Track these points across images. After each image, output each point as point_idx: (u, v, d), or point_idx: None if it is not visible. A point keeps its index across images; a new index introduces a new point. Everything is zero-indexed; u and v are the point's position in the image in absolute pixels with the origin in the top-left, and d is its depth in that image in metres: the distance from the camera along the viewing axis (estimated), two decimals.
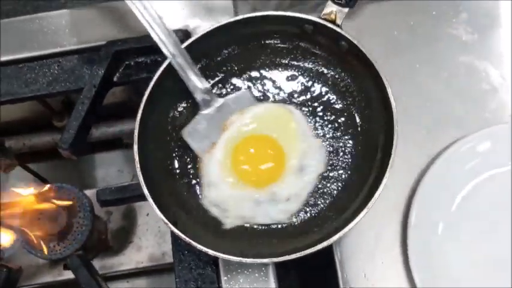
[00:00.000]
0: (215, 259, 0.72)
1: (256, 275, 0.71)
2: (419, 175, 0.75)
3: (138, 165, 0.64)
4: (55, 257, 0.78)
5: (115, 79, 0.80)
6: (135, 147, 0.65)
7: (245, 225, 0.68)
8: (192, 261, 0.72)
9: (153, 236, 0.91)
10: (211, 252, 0.61)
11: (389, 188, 0.75)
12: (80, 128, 0.75)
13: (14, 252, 0.80)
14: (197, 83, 0.68)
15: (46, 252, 0.77)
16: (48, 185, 0.80)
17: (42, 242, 0.78)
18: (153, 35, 0.67)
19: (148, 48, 0.77)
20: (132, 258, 0.90)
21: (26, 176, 1.02)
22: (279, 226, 0.68)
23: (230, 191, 0.67)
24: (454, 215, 0.72)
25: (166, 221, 0.62)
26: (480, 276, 0.70)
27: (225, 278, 0.71)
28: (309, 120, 0.71)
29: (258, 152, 0.69)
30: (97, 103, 0.77)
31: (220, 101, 0.70)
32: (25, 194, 0.82)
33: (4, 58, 0.82)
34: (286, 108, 0.70)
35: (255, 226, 0.68)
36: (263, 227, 0.68)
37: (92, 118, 0.77)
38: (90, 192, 0.82)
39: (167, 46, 0.66)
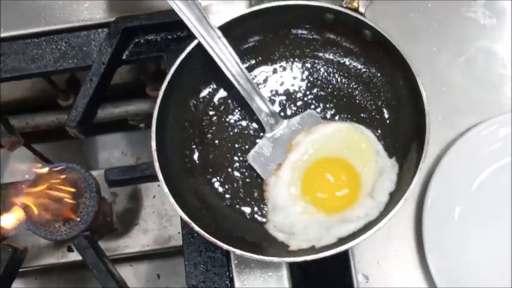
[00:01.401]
0: None
1: None
2: (435, 160, 0.74)
3: (154, 146, 0.62)
4: (60, 238, 0.77)
5: (124, 57, 0.78)
6: (153, 135, 0.62)
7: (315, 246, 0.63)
8: (201, 244, 0.70)
9: (159, 219, 0.90)
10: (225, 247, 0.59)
11: None
12: (88, 106, 0.73)
13: (18, 232, 0.78)
14: (262, 105, 0.66)
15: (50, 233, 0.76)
16: (54, 165, 0.79)
17: (47, 223, 0.77)
18: (214, 56, 0.65)
19: (159, 25, 0.76)
20: (137, 241, 0.89)
21: (29, 156, 1.00)
22: None
23: (299, 216, 0.63)
24: (471, 200, 0.71)
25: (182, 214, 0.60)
26: (497, 262, 0.69)
27: (236, 261, 0.70)
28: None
29: (333, 177, 0.64)
30: (106, 81, 0.76)
31: (285, 122, 0.67)
32: (30, 173, 0.81)
33: (10, 33, 0.79)
34: (357, 127, 0.66)
35: None
36: None
37: (100, 96, 0.75)
38: (95, 173, 0.80)
39: (229, 68, 0.65)
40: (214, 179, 0.68)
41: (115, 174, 0.71)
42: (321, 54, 0.71)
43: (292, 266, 0.69)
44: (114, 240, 0.89)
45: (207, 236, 0.59)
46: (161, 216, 0.90)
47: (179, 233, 0.89)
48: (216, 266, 0.70)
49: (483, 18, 0.80)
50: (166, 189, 0.61)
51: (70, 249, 0.88)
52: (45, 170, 0.78)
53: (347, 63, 0.70)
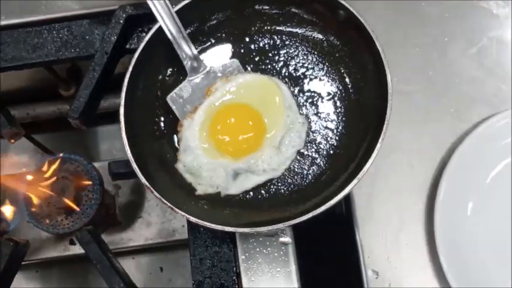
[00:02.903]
0: (232, 236, 0.69)
1: (276, 254, 0.68)
2: (446, 154, 0.72)
3: (123, 127, 0.63)
4: (62, 232, 0.75)
5: (128, 46, 0.75)
6: (122, 110, 0.63)
7: (221, 193, 0.65)
8: (208, 239, 0.69)
9: (163, 212, 0.88)
10: (190, 217, 0.59)
11: (414, 167, 0.73)
12: (91, 96, 0.71)
13: (18, 225, 0.76)
14: (186, 48, 0.66)
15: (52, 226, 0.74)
16: (55, 156, 0.77)
17: (49, 216, 0.75)
18: None
19: None
20: (141, 234, 0.88)
21: (28, 146, 0.99)
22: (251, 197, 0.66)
23: (205, 159, 0.65)
24: (484, 195, 0.70)
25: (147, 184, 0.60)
26: (510, 259, 0.67)
27: (243, 257, 0.68)
28: (296, 92, 0.69)
29: (238, 122, 0.66)
30: (109, 71, 0.73)
31: (207, 67, 0.68)
32: (31, 164, 0.79)
33: (11, 21, 0.77)
34: (273, 80, 0.68)
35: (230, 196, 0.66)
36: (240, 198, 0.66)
37: (103, 86, 0.73)
38: (97, 165, 0.79)
39: (158, 10, 0.64)
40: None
41: (119, 166, 0.70)
42: (296, 31, 0.70)
43: (300, 262, 0.68)
44: (117, 233, 0.88)
45: (163, 200, 0.60)
46: (165, 209, 0.89)
47: (183, 226, 0.87)
48: (223, 261, 0.68)
49: (496, 8, 0.78)
50: (128, 151, 0.61)
51: (72, 243, 0.87)
52: (46, 160, 0.77)
53: (321, 40, 0.69)
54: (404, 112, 0.75)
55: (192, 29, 0.68)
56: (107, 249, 0.71)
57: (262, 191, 0.66)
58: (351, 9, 0.64)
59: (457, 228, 0.68)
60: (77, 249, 0.86)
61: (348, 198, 0.73)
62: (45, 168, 0.76)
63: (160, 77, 0.69)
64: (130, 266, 1.01)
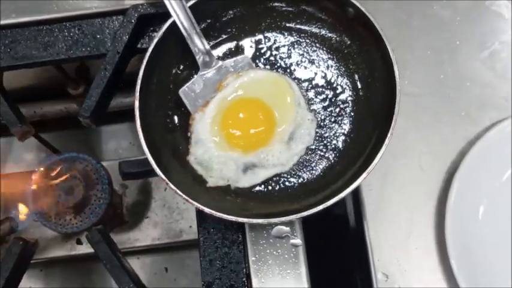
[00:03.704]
0: (243, 238, 0.68)
1: (286, 256, 0.68)
2: (457, 157, 0.72)
3: (138, 120, 0.63)
4: (71, 231, 0.75)
5: (139, 45, 0.75)
6: (136, 103, 0.63)
7: (231, 186, 0.66)
8: (218, 240, 0.69)
9: (170, 212, 0.88)
10: (205, 209, 0.60)
11: (424, 170, 0.73)
12: (102, 95, 0.71)
13: (28, 224, 0.76)
14: (198, 43, 0.67)
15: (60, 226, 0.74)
16: (64, 155, 0.77)
17: (57, 215, 0.75)
18: None
19: None
20: (148, 234, 0.88)
21: (36, 145, 0.98)
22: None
23: (216, 152, 0.66)
24: (495, 199, 0.69)
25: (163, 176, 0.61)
26: None
27: (253, 258, 0.68)
28: (304, 88, 0.70)
29: (249, 116, 0.67)
30: (120, 70, 0.73)
31: (219, 63, 0.69)
32: (37, 163, 0.79)
33: (21, 20, 0.77)
34: (284, 78, 0.69)
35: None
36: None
37: (114, 86, 0.73)
38: (105, 164, 0.78)
39: (173, 5, 0.65)
40: None
41: (130, 166, 0.69)
42: (306, 28, 0.71)
43: (310, 264, 0.68)
44: (124, 233, 0.87)
45: (179, 192, 0.60)
46: (172, 210, 0.88)
47: (190, 227, 0.87)
48: (233, 262, 0.68)
49: (507, 11, 0.78)
50: (143, 142, 0.62)
51: (79, 242, 0.86)
52: (55, 160, 0.76)
53: (330, 37, 0.70)
54: (415, 115, 0.75)
55: (204, 25, 0.69)
56: (117, 249, 0.71)
57: (272, 184, 0.67)
58: (360, 6, 0.64)
59: (468, 231, 0.68)
60: (84, 249, 0.86)
61: (357, 201, 0.73)
62: (53, 167, 0.76)
63: (174, 71, 0.70)
64: (135, 265, 1.00)
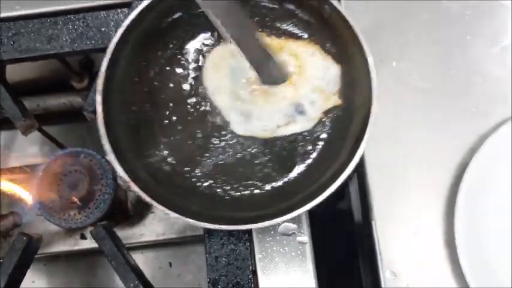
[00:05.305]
0: (249, 234, 0.68)
1: (293, 253, 0.67)
2: (467, 154, 0.71)
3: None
4: (75, 226, 0.74)
5: None
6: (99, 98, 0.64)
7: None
8: (224, 236, 0.68)
9: None
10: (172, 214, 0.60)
11: (433, 167, 0.72)
12: None
13: (32, 219, 0.75)
14: None
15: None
16: (69, 150, 0.76)
17: (62, 210, 0.74)
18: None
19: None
20: (153, 229, 0.86)
21: (37, 139, 0.98)
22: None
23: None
24: (507, 197, 0.68)
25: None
26: None
27: (260, 255, 0.67)
28: None
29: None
30: None
31: None
32: (40, 157, 0.78)
33: (25, 12, 0.76)
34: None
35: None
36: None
37: None
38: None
39: None
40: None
41: None
42: (282, 26, 0.70)
43: (317, 262, 0.67)
44: (129, 228, 0.86)
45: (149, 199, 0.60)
46: None
47: None
48: (239, 259, 0.67)
49: None
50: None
51: (83, 237, 0.86)
52: (59, 154, 0.76)
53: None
54: (424, 110, 0.74)
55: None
56: (122, 245, 0.70)
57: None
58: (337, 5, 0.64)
59: (479, 229, 0.67)
60: (88, 244, 0.85)
61: (365, 199, 0.72)
62: (57, 161, 0.75)
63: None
64: (139, 260, 0.99)
